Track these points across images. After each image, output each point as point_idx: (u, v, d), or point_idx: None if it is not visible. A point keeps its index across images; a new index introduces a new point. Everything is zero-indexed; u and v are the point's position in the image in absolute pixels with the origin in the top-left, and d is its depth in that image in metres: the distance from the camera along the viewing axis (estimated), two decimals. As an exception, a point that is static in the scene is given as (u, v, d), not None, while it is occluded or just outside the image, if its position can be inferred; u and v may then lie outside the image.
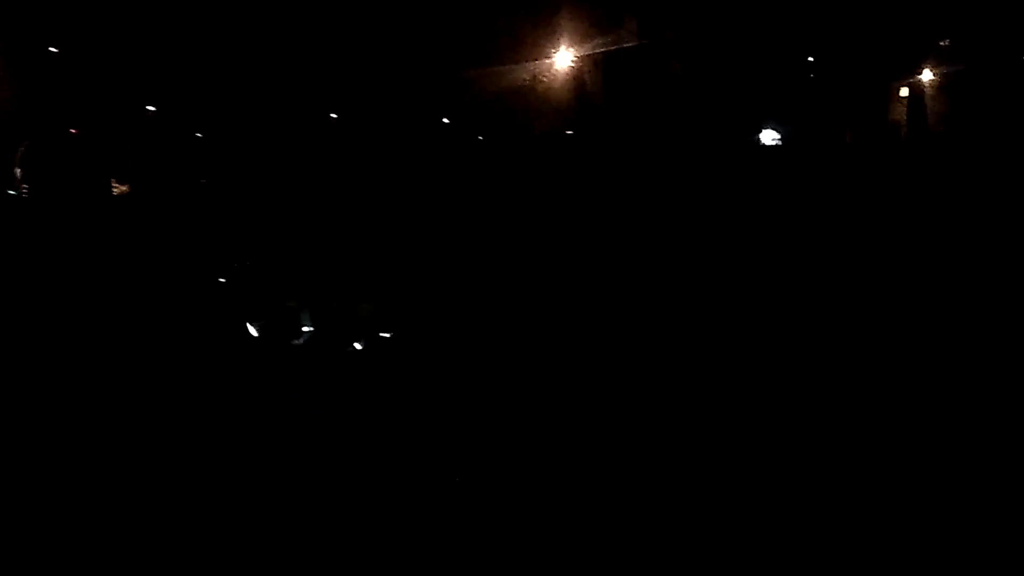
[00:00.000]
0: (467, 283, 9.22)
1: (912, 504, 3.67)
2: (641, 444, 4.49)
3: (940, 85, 34.05)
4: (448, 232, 12.96)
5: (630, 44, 30.58)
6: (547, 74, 32.54)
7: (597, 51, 31.19)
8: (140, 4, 31.87)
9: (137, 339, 6.27)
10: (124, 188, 33.23)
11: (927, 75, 34.17)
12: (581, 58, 31.62)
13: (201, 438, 4.69)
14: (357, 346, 6.84)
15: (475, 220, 13.35)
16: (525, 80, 32.95)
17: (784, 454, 4.29)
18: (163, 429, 4.75)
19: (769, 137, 33.75)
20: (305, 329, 6.75)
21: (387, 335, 6.95)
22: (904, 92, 34.73)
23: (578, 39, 31.27)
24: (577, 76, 32.08)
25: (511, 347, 6.64)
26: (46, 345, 6.30)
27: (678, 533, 3.39)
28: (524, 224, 13.06)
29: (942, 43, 33.87)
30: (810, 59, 33.15)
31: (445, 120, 36.04)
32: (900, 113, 34.88)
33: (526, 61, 32.03)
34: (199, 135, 36.35)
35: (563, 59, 31.75)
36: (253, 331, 6.19)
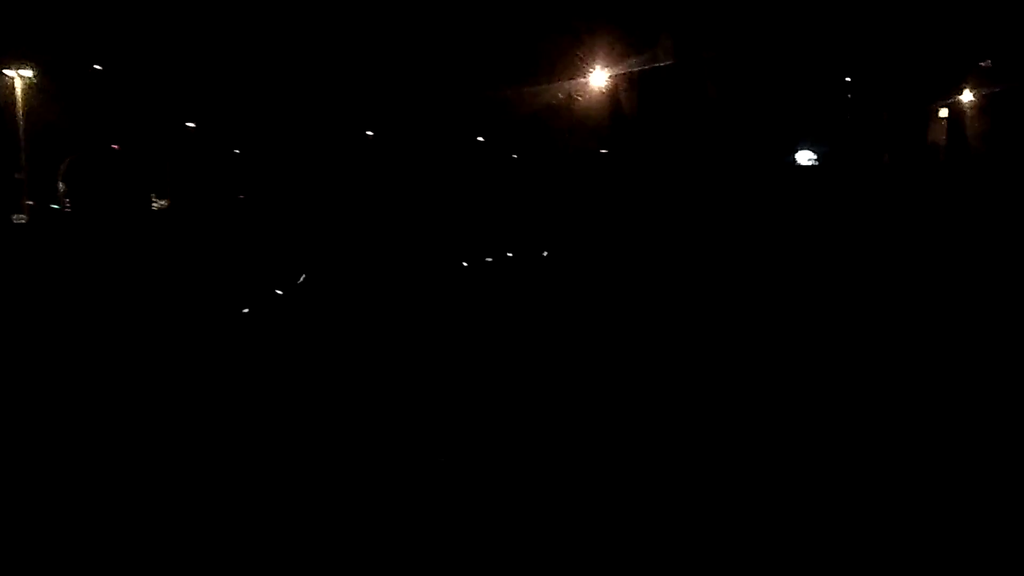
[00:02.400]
0: (495, 298, 9.29)
1: (912, 504, 3.66)
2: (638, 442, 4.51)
3: (981, 106, 33.62)
4: (481, 248, 13.00)
5: (666, 63, 30.56)
6: (583, 93, 32.61)
7: (633, 70, 31.21)
8: (180, 24, 32.42)
9: (168, 347, 6.39)
10: (164, 203, 33.75)
11: (967, 96, 33.77)
12: (617, 77, 31.65)
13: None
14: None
15: (509, 236, 13.39)
16: (560, 99, 33.04)
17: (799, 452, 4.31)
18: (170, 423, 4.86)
19: (805, 157, 33.51)
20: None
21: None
22: (944, 113, 34.34)
23: (614, 58, 31.33)
24: (612, 95, 32.11)
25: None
26: (78, 354, 6.42)
27: (679, 530, 3.41)
28: (558, 240, 13.09)
29: (983, 63, 33.48)
30: (847, 79, 32.93)
31: (480, 138, 36.21)
32: (939, 134, 34.47)
33: (562, 80, 32.13)
34: (237, 151, 36.83)
35: (599, 78, 31.81)
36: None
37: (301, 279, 9.83)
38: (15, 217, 27.06)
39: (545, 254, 12.63)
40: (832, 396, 5.21)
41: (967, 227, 12.79)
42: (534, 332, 7.64)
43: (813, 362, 6.06)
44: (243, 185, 33.43)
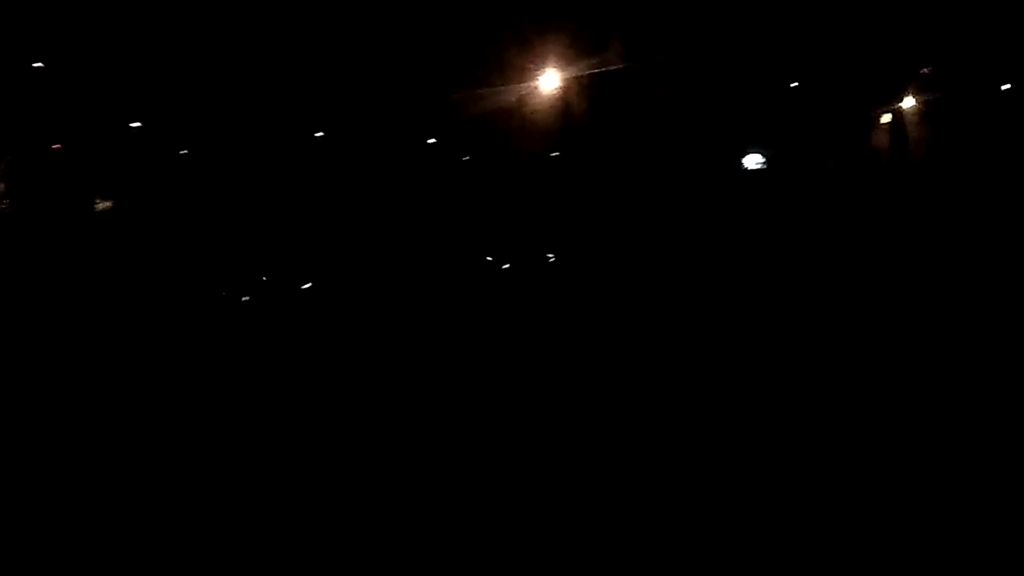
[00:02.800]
0: (447, 301, 9.23)
1: (912, 504, 3.68)
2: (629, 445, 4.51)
3: (922, 112, 34.44)
4: (433, 251, 12.95)
5: (616, 67, 30.80)
6: (533, 96, 32.67)
7: (583, 74, 31.36)
8: (126, 19, 31.85)
9: (117, 346, 6.25)
10: (107, 204, 33.11)
11: (909, 102, 34.56)
12: (567, 80, 31.78)
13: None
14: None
15: (461, 238, 13.36)
16: (511, 102, 33.04)
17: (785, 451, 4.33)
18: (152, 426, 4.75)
19: (753, 161, 33.98)
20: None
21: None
22: (886, 119, 35.08)
23: (565, 62, 31.45)
24: (563, 99, 32.23)
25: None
26: (26, 354, 6.26)
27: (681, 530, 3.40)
28: (509, 242, 13.07)
29: (923, 71, 34.29)
30: (793, 85, 33.46)
31: (431, 141, 36.08)
32: (882, 140, 35.20)
33: (512, 83, 32.14)
34: (183, 152, 36.24)
35: (549, 81, 31.90)
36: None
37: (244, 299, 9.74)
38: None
39: (490, 259, 12.61)
40: (783, 395, 5.24)
41: (911, 229, 13.03)
42: (484, 335, 7.59)
43: (764, 363, 6.08)
44: (189, 187, 32.93)
